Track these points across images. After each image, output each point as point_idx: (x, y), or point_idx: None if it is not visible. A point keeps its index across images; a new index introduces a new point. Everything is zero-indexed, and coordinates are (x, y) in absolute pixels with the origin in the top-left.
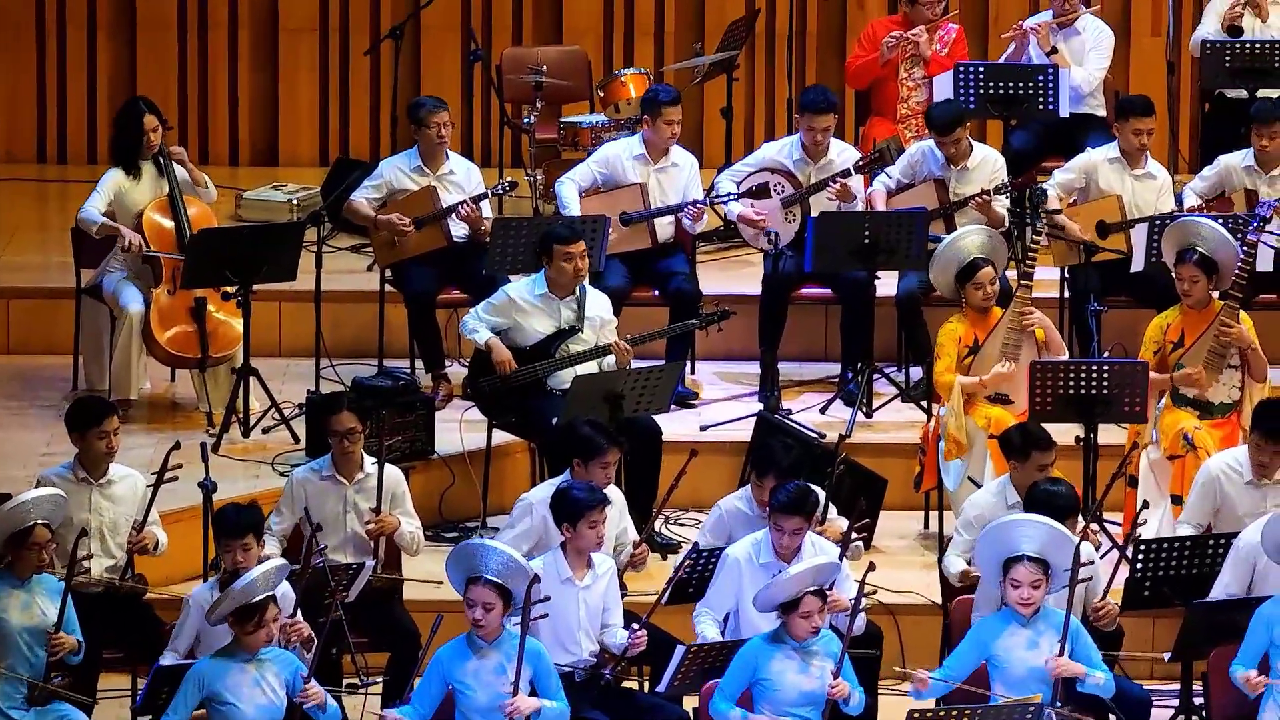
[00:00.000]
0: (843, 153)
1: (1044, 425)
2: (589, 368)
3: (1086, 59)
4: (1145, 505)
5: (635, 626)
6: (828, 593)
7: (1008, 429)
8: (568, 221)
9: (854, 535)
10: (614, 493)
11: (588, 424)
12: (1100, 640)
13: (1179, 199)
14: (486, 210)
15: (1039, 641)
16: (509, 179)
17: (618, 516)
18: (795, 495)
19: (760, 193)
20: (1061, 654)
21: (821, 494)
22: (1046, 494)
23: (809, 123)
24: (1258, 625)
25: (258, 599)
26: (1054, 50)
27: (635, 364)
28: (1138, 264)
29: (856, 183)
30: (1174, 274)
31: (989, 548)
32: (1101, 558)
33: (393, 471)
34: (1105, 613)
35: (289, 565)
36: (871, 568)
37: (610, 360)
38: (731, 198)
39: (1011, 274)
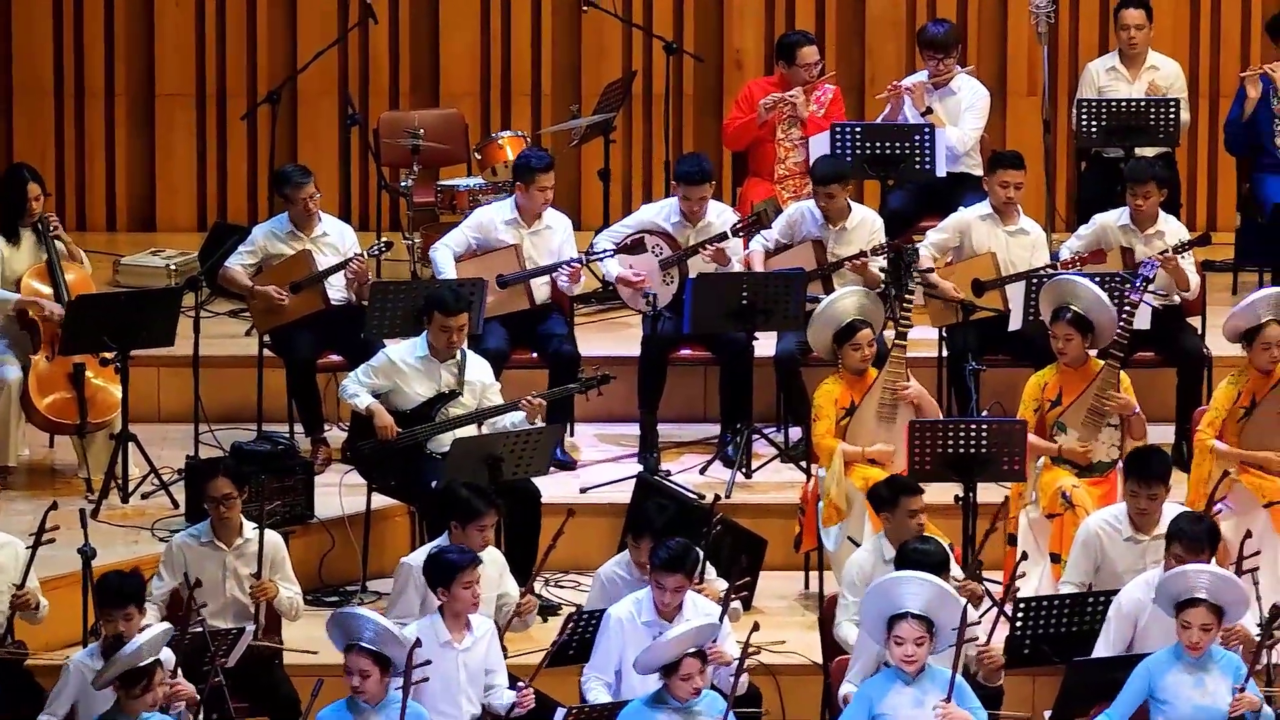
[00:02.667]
0: (721, 215)
1: (922, 484)
2: (468, 431)
3: (962, 119)
4: (1024, 557)
5: (522, 685)
6: (709, 646)
7: (874, 484)
8: (455, 289)
9: (734, 595)
10: (494, 554)
11: (465, 487)
12: (981, 699)
13: (1055, 256)
14: (364, 264)
15: (924, 700)
16: (384, 240)
17: (498, 577)
18: (676, 553)
19: (635, 248)
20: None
21: (700, 553)
22: (917, 553)
23: (685, 193)
24: (1138, 678)
25: (145, 663)
26: (929, 110)
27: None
28: (1015, 323)
29: (735, 245)
30: (1049, 332)
31: (873, 605)
32: (981, 616)
33: (272, 537)
34: (990, 659)
35: (173, 629)
36: (755, 628)
37: (504, 421)
38: (608, 254)
39: (889, 334)
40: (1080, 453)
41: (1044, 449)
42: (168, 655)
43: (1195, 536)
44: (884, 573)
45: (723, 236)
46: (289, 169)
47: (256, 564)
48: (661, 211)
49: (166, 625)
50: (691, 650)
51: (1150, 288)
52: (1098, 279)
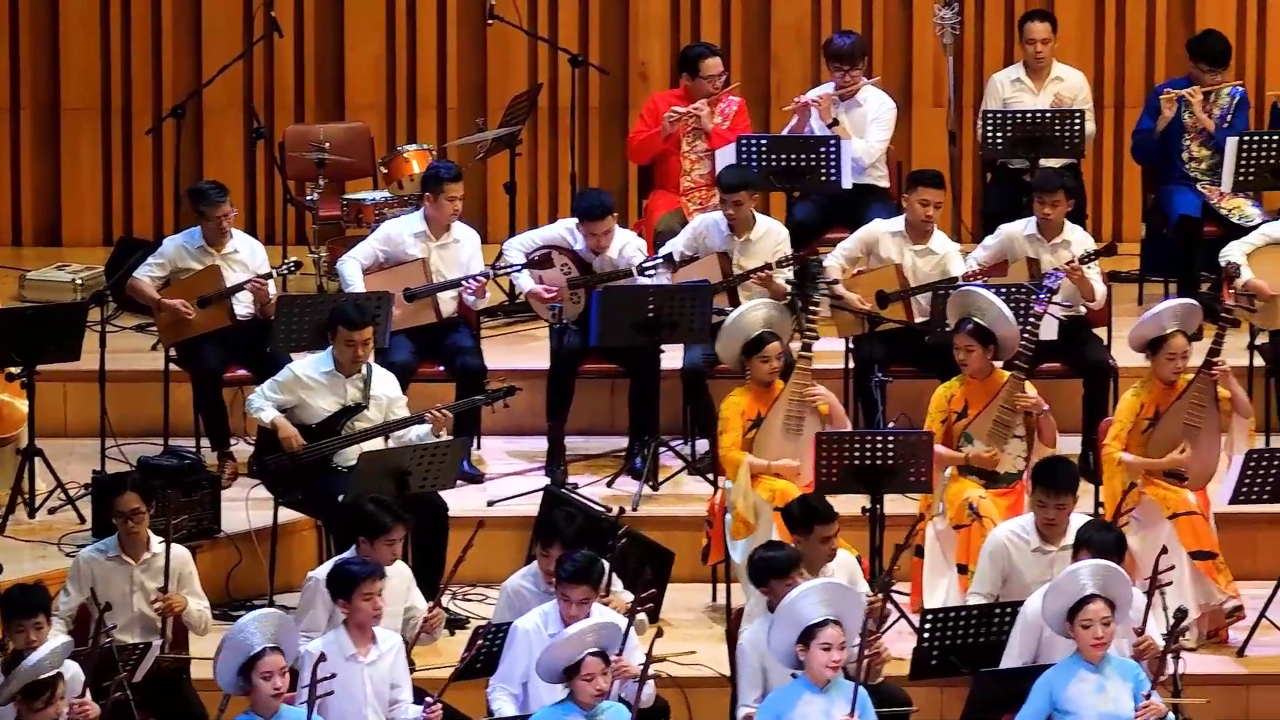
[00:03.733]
0: (626, 245)
1: (829, 496)
2: (375, 444)
3: (868, 130)
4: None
5: (429, 700)
6: (615, 658)
7: (789, 502)
8: (359, 303)
9: (639, 607)
10: (401, 567)
11: (372, 501)
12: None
13: None
14: (271, 289)
15: (831, 711)
16: (294, 259)
17: (405, 590)
18: (581, 565)
19: (545, 262)
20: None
21: (606, 565)
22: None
23: (589, 229)
24: (1040, 691)
25: (46, 676)
26: (835, 122)
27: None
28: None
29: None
30: (953, 343)
31: (785, 625)
32: (889, 627)
33: (179, 551)
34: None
35: (73, 642)
36: (660, 634)
37: (410, 433)
38: (517, 268)
39: (794, 345)
40: (988, 458)
41: (950, 459)
42: (77, 673)
43: (1103, 544)
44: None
45: (627, 274)
46: (206, 186)
47: (163, 579)
48: (572, 232)
49: (67, 638)
50: (593, 649)
51: (1055, 298)
52: (1003, 290)
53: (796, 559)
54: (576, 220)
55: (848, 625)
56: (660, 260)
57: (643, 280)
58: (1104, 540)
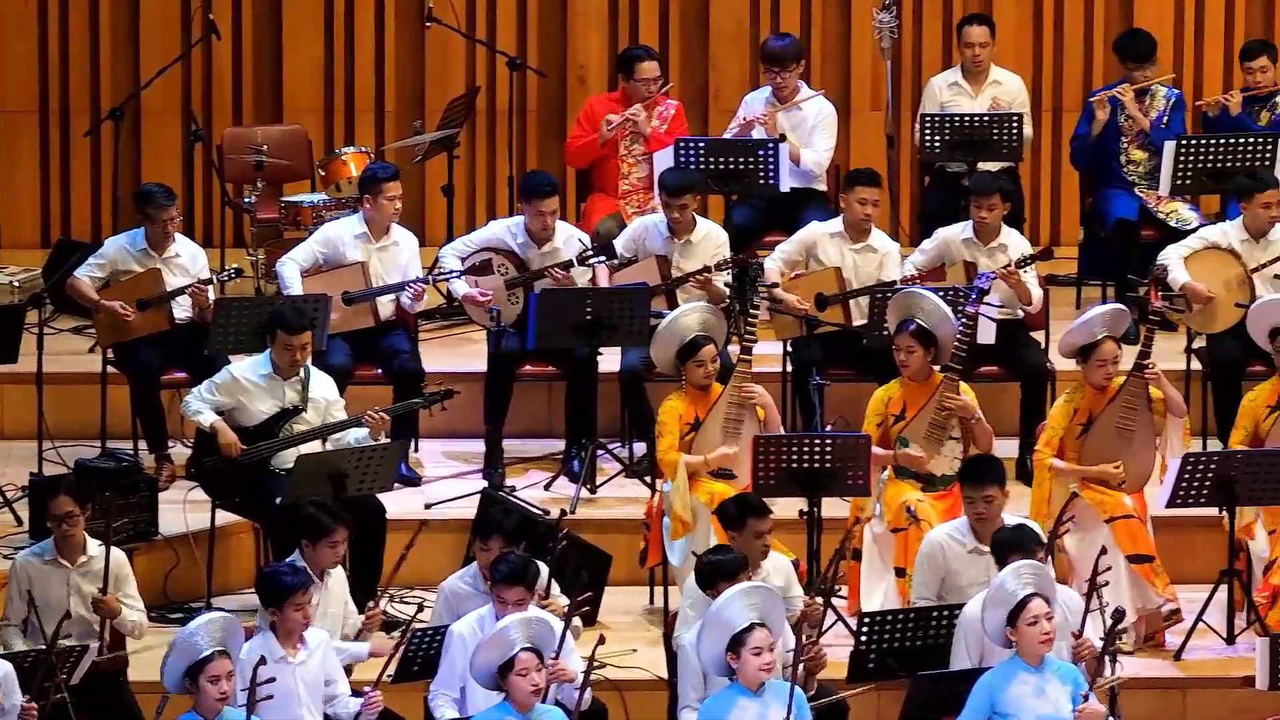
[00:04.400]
0: (568, 240)
1: (766, 499)
2: (313, 447)
3: (812, 139)
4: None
5: (369, 689)
6: (551, 661)
7: (723, 501)
8: (297, 306)
9: (576, 610)
10: (338, 570)
11: (314, 504)
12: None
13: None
14: (210, 294)
15: (767, 714)
16: (234, 266)
17: (341, 593)
18: (516, 566)
19: (482, 270)
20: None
21: (543, 567)
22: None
23: (534, 208)
24: (979, 694)
25: None
26: (783, 137)
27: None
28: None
29: (578, 273)
30: (893, 344)
31: (713, 631)
32: (827, 631)
33: (116, 554)
34: (816, 659)
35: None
36: (601, 640)
37: (348, 436)
38: (454, 275)
39: (733, 349)
40: (917, 459)
41: (883, 458)
42: (9, 673)
43: (1018, 542)
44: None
45: (568, 265)
46: (154, 189)
47: (101, 581)
48: (509, 230)
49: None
50: (525, 645)
51: (987, 300)
52: (939, 293)
53: (744, 563)
54: (522, 202)
55: (774, 627)
56: (599, 248)
57: (583, 270)
58: (1020, 538)
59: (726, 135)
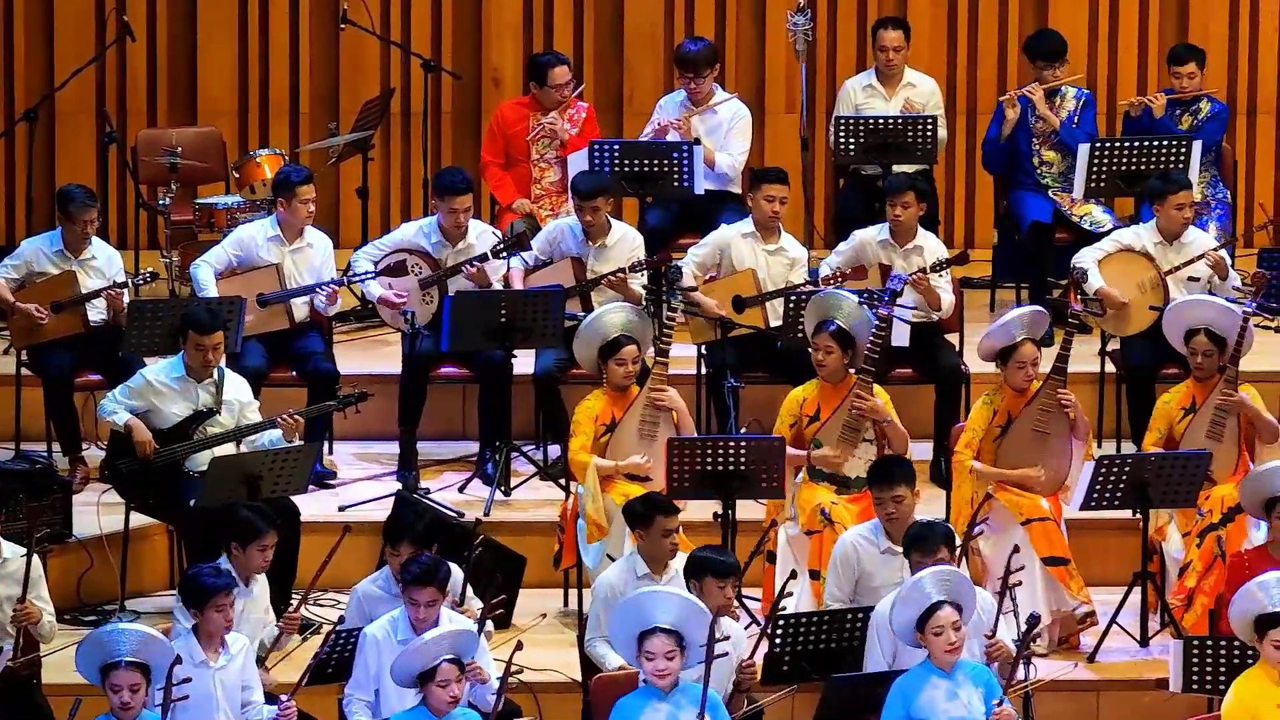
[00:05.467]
0: (481, 235)
1: (681, 501)
2: (226, 449)
3: (727, 142)
4: (794, 575)
5: (283, 699)
6: (469, 663)
7: (630, 500)
8: (210, 308)
9: (490, 613)
10: (260, 576)
11: (245, 508)
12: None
13: (814, 273)
14: (124, 297)
15: (678, 716)
16: (150, 270)
17: (264, 598)
18: (427, 566)
19: (397, 270)
20: None
21: (454, 568)
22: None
23: (448, 205)
24: (894, 699)
25: None
26: (697, 141)
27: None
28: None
29: (495, 265)
30: (810, 345)
31: (623, 621)
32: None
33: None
34: (749, 672)
35: None
36: (519, 646)
37: (261, 439)
38: (369, 276)
39: (649, 351)
40: (831, 458)
41: (796, 459)
42: None
43: (929, 539)
44: (636, 590)
45: (483, 258)
46: (76, 190)
47: (15, 585)
48: (421, 230)
49: None
50: (448, 656)
51: (900, 302)
52: (854, 295)
53: (738, 569)
54: (435, 199)
55: (690, 638)
56: (514, 239)
57: (497, 264)
58: (931, 536)
59: (638, 128)
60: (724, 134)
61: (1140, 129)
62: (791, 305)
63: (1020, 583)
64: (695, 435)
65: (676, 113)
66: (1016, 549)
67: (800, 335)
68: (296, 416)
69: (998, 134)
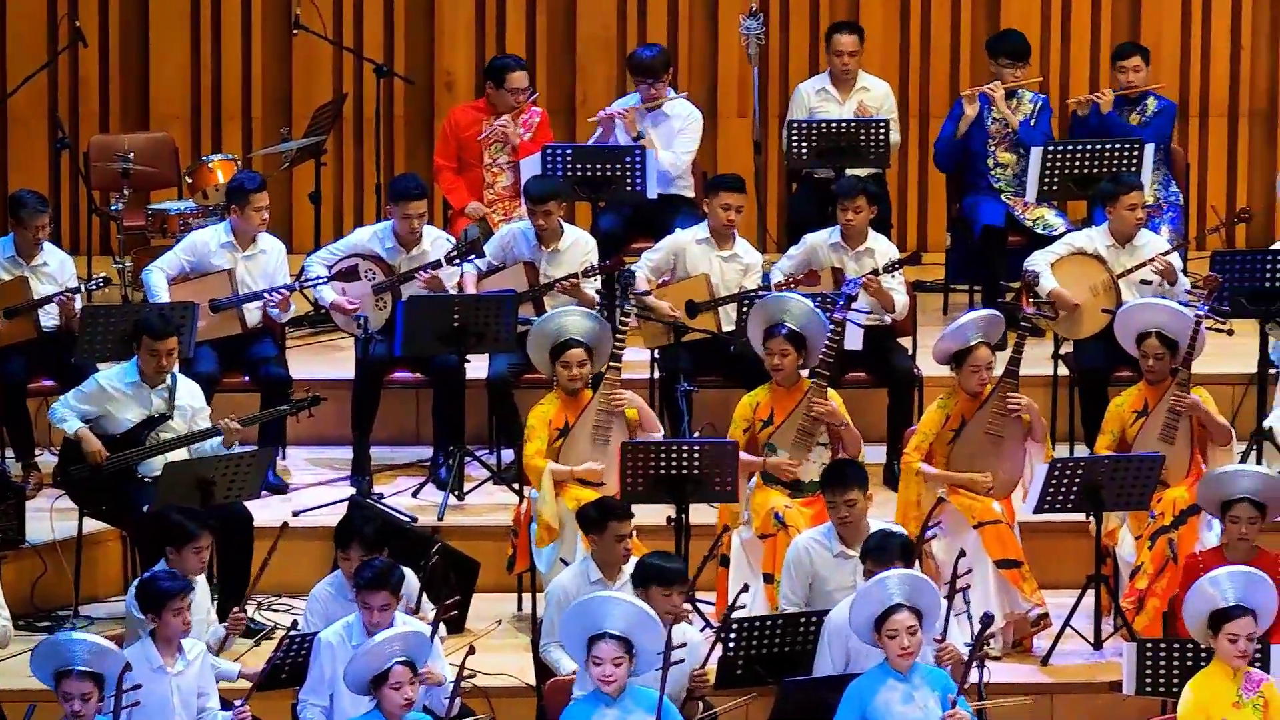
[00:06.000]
0: (435, 242)
1: (635, 505)
2: (180, 455)
3: (674, 141)
4: (745, 589)
5: (238, 704)
6: (424, 668)
7: (584, 505)
8: (163, 313)
9: (443, 616)
10: (199, 580)
11: (179, 511)
12: None
13: (766, 278)
14: (76, 303)
15: None
16: (102, 275)
17: (204, 600)
18: (379, 571)
19: (350, 275)
20: None
21: (409, 574)
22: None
23: (403, 210)
24: (848, 702)
25: None
26: (640, 135)
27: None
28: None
29: (449, 271)
30: (764, 349)
31: (573, 625)
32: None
33: None
34: (701, 682)
35: None
36: (471, 651)
37: (205, 444)
38: (322, 281)
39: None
40: (786, 467)
41: (751, 464)
42: None
43: (886, 550)
44: (590, 594)
45: (437, 264)
46: (27, 196)
47: None
48: (376, 235)
49: None
50: (400, 658)
51: (854, 305)
52: (808, 299)
53: (684, 576)
54: (390, 204)
55: (639, 645)
56: (467, 245)
57: (451, 271)
58: (888, 546)
59: (591, 138)
60: (674, 136)
61: (1088, 129)
62: (745, 310)
63: (969, 586)
64: (658, 431)
65: (623, 110)
66: (963, 553)
67: (747, 340)
68: (237, 424)
69: (953, 131)
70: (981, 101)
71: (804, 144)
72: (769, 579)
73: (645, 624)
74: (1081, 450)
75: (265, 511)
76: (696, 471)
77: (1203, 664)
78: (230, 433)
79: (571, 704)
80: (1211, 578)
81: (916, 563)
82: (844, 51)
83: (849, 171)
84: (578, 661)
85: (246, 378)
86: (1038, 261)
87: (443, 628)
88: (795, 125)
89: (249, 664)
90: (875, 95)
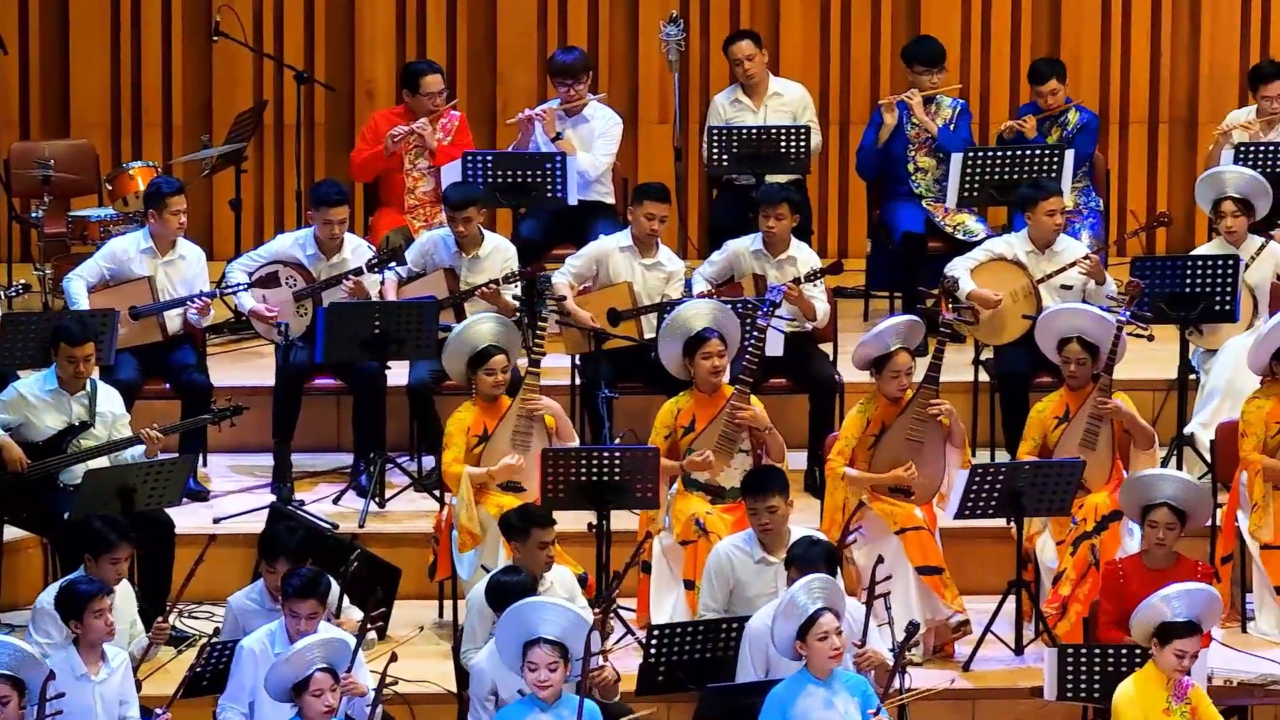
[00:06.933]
0: (356, 250)
1: (556, 511)
2: (100, 462)
3: (594, 145)
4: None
5: (159, 712)
6: (344, 676)
7: (506, 512)
8: (81, 319)
9: (369, 625)
10: (124, 586)
11: (98, 519)
12: None
13: (688, 284)
14: None
15: None
16: (22, 282)
17: (130, 609)
18: (308, 579)
19: (270, 282)
20: None
21: (335, 585)
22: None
23: (323, 216)
24: (770, 708)
25: None
26: (559, 136)
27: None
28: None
29: (370, 280)
30: (698, 356)
31: (510, 630)
32: (618, 643)
33: None
34: (602, 679)
35: None
36: (394, 658)
37: (127, 453)
38: (241, 288)
39: (521, 362)
40: (700, 463)
41: (672, 469)
42: None
43: (810, 558)
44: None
45: (359, 271)
46: None
47: None
48: (297, 242)
49: None
50: (321, 665)
51: (777, 313)
52: (729, 305)
53: (532, 582)
54: (311, 210)
55: (574, 651)
56: (388, 253)
57: (374, 279)
58: (810, 554)
59: (511, 145)
60: (594, 139)
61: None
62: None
63: (889, 592)
64: (574, 439)
65: (542, 112)
66: (881, 559)
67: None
68: (158, 433)
69: (874, 140)
70: (900, 109)
71: (723, 151)
72: (690, 585)
73: (581, 629)
74: (1003, 456)
75: (187, 518)
76: (617, 478)
77: (1124, 670)
78: (152, 443)
79: (503, 710)
80: (1164, 595)
81: (837, 569)
82: (741, 58)
83: (769, 178)
84: (512, 668)
85: (167, 385)
86: (957, 267)
87: (374, 634)
88: (715, 132)
89: (173, 672)
90: (790, 99)
